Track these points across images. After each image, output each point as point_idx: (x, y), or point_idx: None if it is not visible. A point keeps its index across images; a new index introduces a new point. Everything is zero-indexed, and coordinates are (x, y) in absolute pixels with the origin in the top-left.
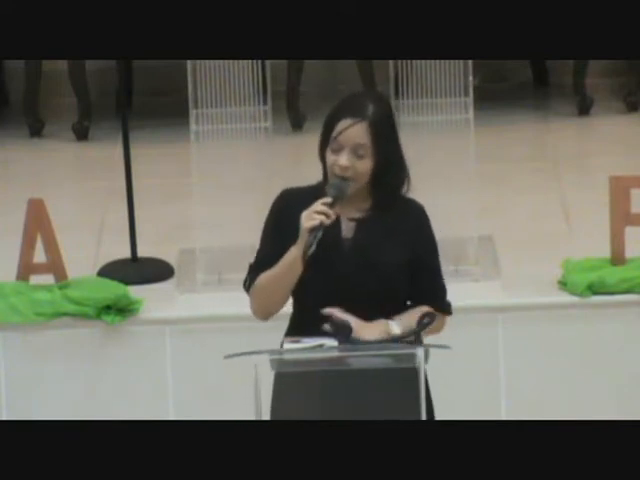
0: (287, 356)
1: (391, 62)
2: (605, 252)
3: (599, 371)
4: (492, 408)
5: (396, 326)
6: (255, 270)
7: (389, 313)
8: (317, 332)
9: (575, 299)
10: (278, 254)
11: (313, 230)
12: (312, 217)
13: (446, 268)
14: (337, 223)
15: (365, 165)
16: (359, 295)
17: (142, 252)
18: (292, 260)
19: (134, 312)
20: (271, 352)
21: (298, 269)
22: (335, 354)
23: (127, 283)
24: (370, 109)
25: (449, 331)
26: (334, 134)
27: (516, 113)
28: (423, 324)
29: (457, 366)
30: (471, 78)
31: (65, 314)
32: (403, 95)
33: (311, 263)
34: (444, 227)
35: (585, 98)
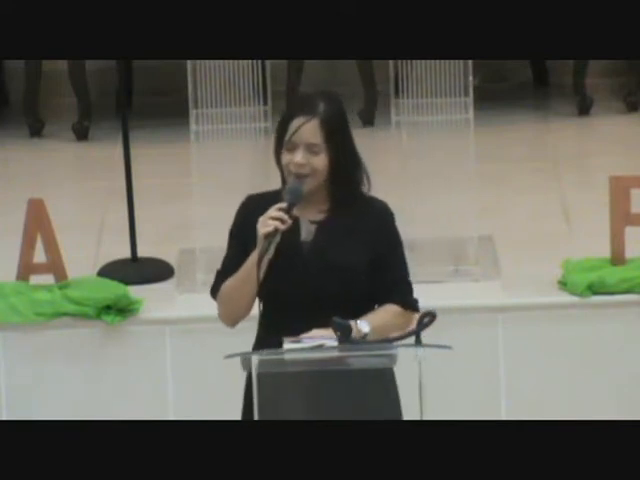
0: (286, 356)
1: (391, 62)
2: (605, 252)
3: (599, 371)
4: (492, 408)
5: (365, 324)
6: (220, 276)
7: (354, 315)
8: (286, 334)
9: (575, 299)
10: (241, 260)
11: (268, 236)
12: (266, 223)
13: (446, 268)
14: (296, 226)
15: (320, 161)
16: (321, 298)
17: (142, 252)
18: (251, 266)
19: (134, 312)
20: (271, 352)
21: (259, 274)
22: (335, 354)
23: (127, 283)
24: (321, 107)
25: (449, 331)
26: (288, 134)
27: (516, 113)
28: (423, 324)
29: (457, 366)
30: (471, 78)
31: (65, 314)
32: (403, 95)
33: (272, 268)
34: (444, 227)
35: (585, 98)
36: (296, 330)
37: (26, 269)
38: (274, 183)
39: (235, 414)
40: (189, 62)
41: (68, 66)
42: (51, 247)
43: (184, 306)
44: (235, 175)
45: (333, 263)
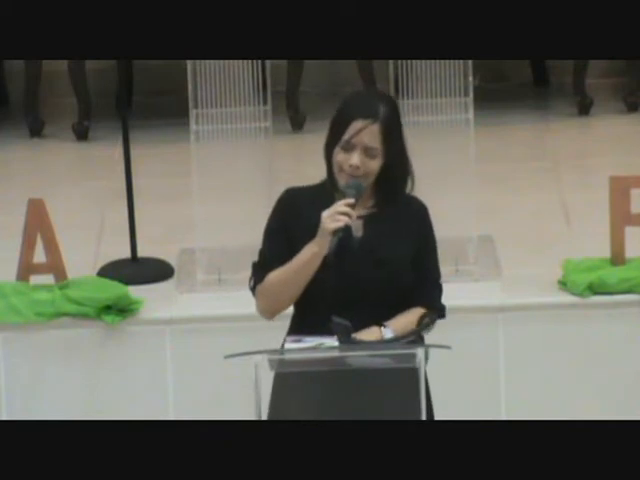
0: (287, 356)
1: (391, 62)
2: (605, 252)
3: (599, 371)
4: (492, 408)
5: (389, 331)
6: (261, 269)
7: (397, 311)
8: (323, 331)
9: (575, 299)
10: (285, 253)
11: (337, 231)
12: (336, 218)
13: (446, 268)
14: None
15: (375, 165)
16: (369, 292)
17: (142, 252)
18: (309, 258)
19: (134, 312)
20: (271, 352)
21: (315, 268)
22: (335, 354)
23: (127, 283)
24: (381, 110)
25: (449, 331)
26: (347, 136)
27: (516, 113)
28: (424, 324)
29: (457, 366)
30: (471, 78)
31: (65, 314)
32: (403, 95)
33: (323, 262)
34: (444, 227)
35: (585, 98)
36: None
37: (26, 269)
38: (274, 183)
39: (235, 414)
40: (189, 62)
41: (68, 66)
42: (51, 247)
43: (184, 306)
44: (235, 175)
45: (383, 258)
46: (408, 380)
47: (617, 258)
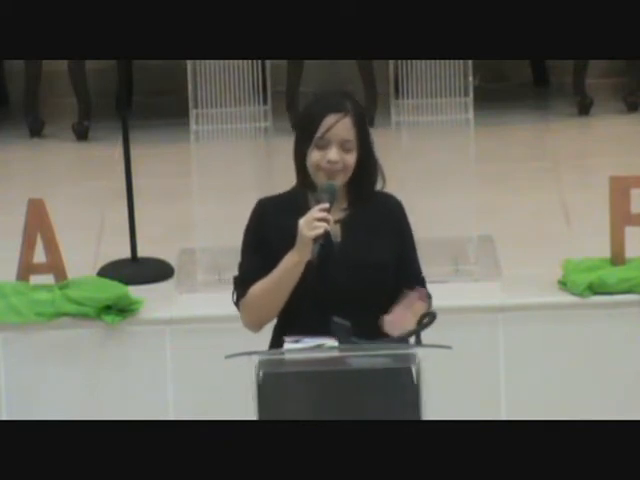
0: (287, 356)
1: (391, 62)
2: (605, 252)
3: (599, 371)
4: (492, 408)
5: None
6: (243, 283)
7: (377, 312)
8: (308, 335)
9: (575, 299)
10: (264, 265)
11: (318, 238)
12: (315, 225)
13: (446, 268)
14: None
15: (352, 159)
16: (351, 296)
17: (142, 252)
18: (290, 268)
19: (134, 312)
20: (271, 352)
21: (297, 276)
22: (335, 354)
23: (127, 283)
24: (349, 104)
25: (449, 331)
26: (320, 132)
27: (516, 113)
28: (423, 324)
29: (457, 366)
30: (471, 78)
31: (65, 314)
32: (403, 95)
33: (306, 270)
34: (444, 227)
35: (585, 98)
36: (319, 330)
37: (26, 269)
38: (274, 183)
39: (235, 414)
40: (189, 62)
41: (68, 66)
42: (51, 247)
43: (184, 306)
44: (235, 175)
45: (363, 261)
46: (408, 380)
47: (617, 258)
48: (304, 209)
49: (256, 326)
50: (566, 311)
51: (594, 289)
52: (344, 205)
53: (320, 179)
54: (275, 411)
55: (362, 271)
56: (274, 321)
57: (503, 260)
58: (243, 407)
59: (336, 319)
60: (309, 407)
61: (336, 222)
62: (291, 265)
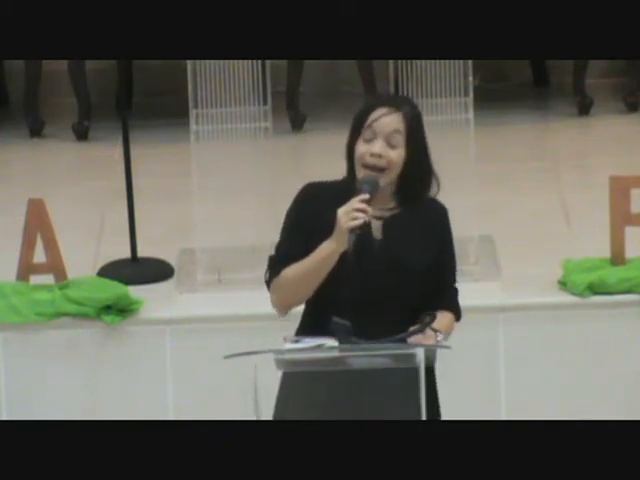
0: (288, 356)
1: (391, 62)
2: (605, 252)
3: (599, 371)
4: (492, 408)
5: (442, 335)
6: (278, 263)
7: (409, 313)
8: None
9: (575, 299)
10: (302, 248)
11: (355, 229)
12: (353, 216)
13: None
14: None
15: (397, 155)
16: (384, 296)
17: (142, 252)
18: (327, 255)
19: (134, 312)
20: (271, 352)
21: (331, 265)
22: (335, 354)
23: (127, 283)
24: (404, 105)
25: None
26: (368, 122)
27: (516, 113)
28: (424, 323)
29: (457, 366)
30: (471, 78)
31: (65, 314)
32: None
33: (341, 261)
34: None
35: (585, 98)
36: (356, 325)
37: (26, 269)
38: (274, 183)
39: (235, 414)
40: (189, 62)
41: (68, 66)
42: (51, 247)
43: (184, 306)
44: (235, 175)
45: (402, 262)
46: (408, 380)
47: (617, 258)
48: (348, 201)
49: (284, 308)
50: (566, 311)
51: (594, 289)
52: (391, 205)
53: (363, 173)
54: (278, 411)
55: (398, 272)
56: (299, 311)
57: (503, 260)
58: (243, 407)
59: (336, 319)
60: (309, 407)
61: (379, 219)
62: (326, 253)
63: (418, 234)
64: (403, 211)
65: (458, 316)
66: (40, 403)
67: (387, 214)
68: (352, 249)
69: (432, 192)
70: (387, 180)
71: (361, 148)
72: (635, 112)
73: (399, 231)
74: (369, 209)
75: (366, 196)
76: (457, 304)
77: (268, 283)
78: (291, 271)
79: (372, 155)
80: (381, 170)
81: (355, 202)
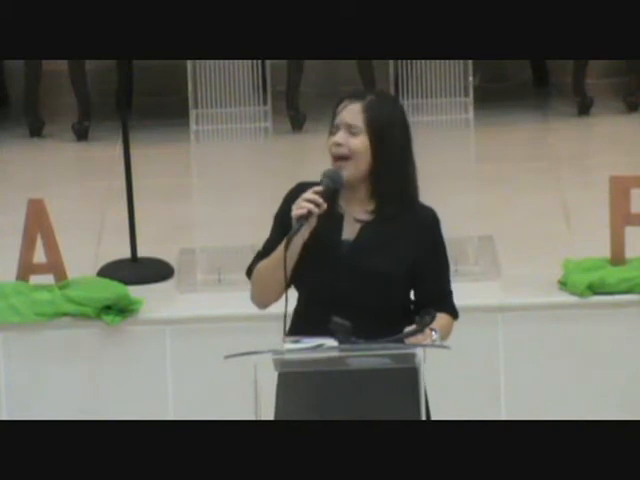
0: (287, 356)
1: (391, 62)
2: (605, 252)
3: (599, 371)
4: (492, 408)
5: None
6: (255, 258)
7: (389, 321)
8: (314, 331)
9: (575, 299)
10: (279, 243)
11: (300, 218)
12: (300, 205)
13: None
14: (339, 223)
15: (359, 142)
16: (352, 301)
17: (142, 252)
18: (285, 246)
19: (134, 312)
20: (271, 352)
21: (291, 256)
22: (335, 354)
23: (127, 283)
24: (369, 97)
25: None
26: (334, 115)
27: (516, 113)
28: (424, 322)
29: (457, 366)
30: (471, 78)
31: (65, 314)
32: (403, 95)
33: (308, 260)
34: (444, 227)
35: (585, 98)
36: (323, 329)
37: (26, 269)
38: (274, 183)
39: (235, 414)
40: (189, 62)
41: (68, 66)
42: (51, 247)
43: (184, 306)
44: (235, 175)
45: (370, 268)
46: (408, 380)
47: (617, 258)
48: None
49: (259, 302)
50: (566, 311)
51: (594, 289)
52: (370, 207)
53: (329, 168)
54: (275, 411)
55: (366, 277)
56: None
57: (503, 260)
58: (243, 407)
59: (336, 319)
60: (309, 407)
61: (357, 221)
62: (285, 244)
63: (394, 241)
64: (383, 216)
65: (455, 315)
66: (40, 403)
67: (365, 217)
68: (295, 238)
69: (411, 194)
70: (353, 170)
71: (328, 142)
72: (635, 112)
73: (373, 236)
74: (321, 201)
75: (320, 188)
76: (453, 306)
77: (249, 277)
78: (262, 263)
79: (334, 145)
80: (345, 159)
81: (308, 192)
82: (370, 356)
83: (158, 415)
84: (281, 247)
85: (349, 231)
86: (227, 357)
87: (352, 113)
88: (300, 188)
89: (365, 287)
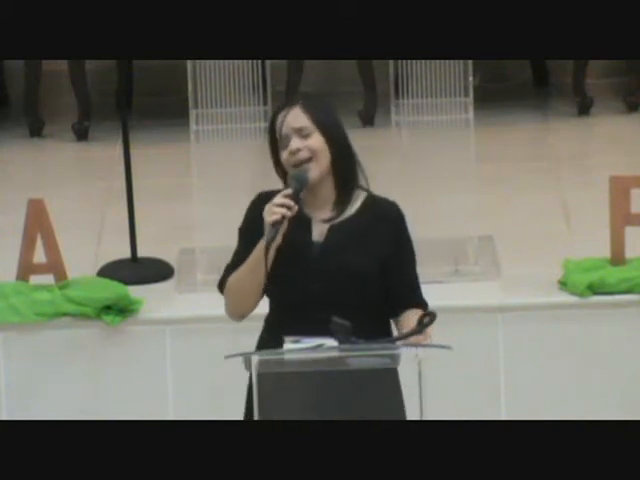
0: (287, 356)
1: (391, 62)
2: (605, 252)
3: (599, 371)
4: (492, 408)
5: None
6: (228, 270)
7: (362, 320)
8: (291, 332)
9: (575, 299)
10: (249, 254)
11: (275, 224)
12: (273, 211)
13: (446, 268)
14: (308, 226)
15: (315, 141)
16: (328, 301)
17: (142, 252)
18: (258, 255)
19: (134, 312)
20: (271, 352)
21: (263, 262)
22: (335, 354)
23: (127, 283)
24: (300, 100)
25: (449, 331)
26: (277, 133)
27: (516, 113)
28: (423, 324)
29: (457, 366)
30: (471, 78)
31: (65, 314)
32: (403, 95)
33: (280, 265)
34: (444, 227)
35: (585, 98)
36: (300, 332)
37: (26, 269)
38: (274, 183)
39: (235, 414)
40: (189, 62)
41: (68, 66)
42: (51, 247)
43: (184, 306)
44: (235, 175)
45: (342, 267)
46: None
47: (617, 258)
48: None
49: (235, 314)
50: (566, 311)
51: (594, 289)
52: (330, 206)
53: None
54: (274, 411)
55: (339, 277)
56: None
57: (503, 260)
58: (243, 407)
59: (336, 319)
60: (308, 407)
61: (324, 222)
62: (258, 252)
63: (363, 238)
64: (348, 214)
65: (426, 308)
66: (40, 403)
67: (331, 217)
68: (273, 244)
69: (361, 181)
70: (317, 169)
71: (283, 155)
72: (635, 112)
73: (342, 235)
74: (292, 203)
75: (289, 191)
76: (423, 299)
77: (222, 291)
78: (235, 275)
79: (292, 153)
80: (308, 160)
81: (278, 197)
82: (369, 356)
83: (158, 415)
84: (254, 255)
85: (318, 232)
86: (227, 357)
87: (296, 117)
88: (262, 197)
89: (340, 287)
